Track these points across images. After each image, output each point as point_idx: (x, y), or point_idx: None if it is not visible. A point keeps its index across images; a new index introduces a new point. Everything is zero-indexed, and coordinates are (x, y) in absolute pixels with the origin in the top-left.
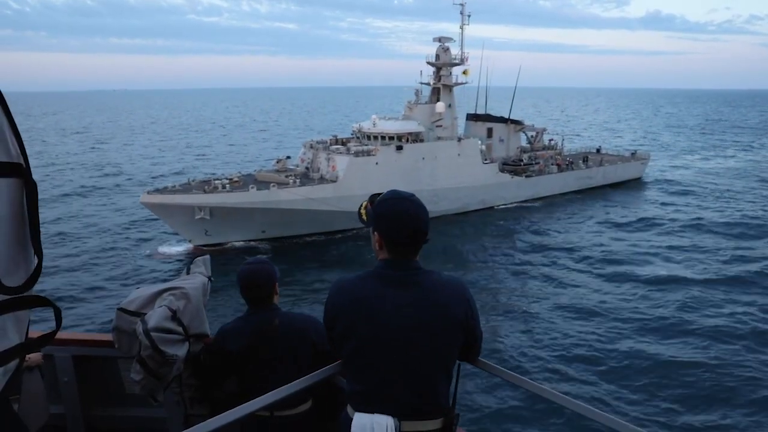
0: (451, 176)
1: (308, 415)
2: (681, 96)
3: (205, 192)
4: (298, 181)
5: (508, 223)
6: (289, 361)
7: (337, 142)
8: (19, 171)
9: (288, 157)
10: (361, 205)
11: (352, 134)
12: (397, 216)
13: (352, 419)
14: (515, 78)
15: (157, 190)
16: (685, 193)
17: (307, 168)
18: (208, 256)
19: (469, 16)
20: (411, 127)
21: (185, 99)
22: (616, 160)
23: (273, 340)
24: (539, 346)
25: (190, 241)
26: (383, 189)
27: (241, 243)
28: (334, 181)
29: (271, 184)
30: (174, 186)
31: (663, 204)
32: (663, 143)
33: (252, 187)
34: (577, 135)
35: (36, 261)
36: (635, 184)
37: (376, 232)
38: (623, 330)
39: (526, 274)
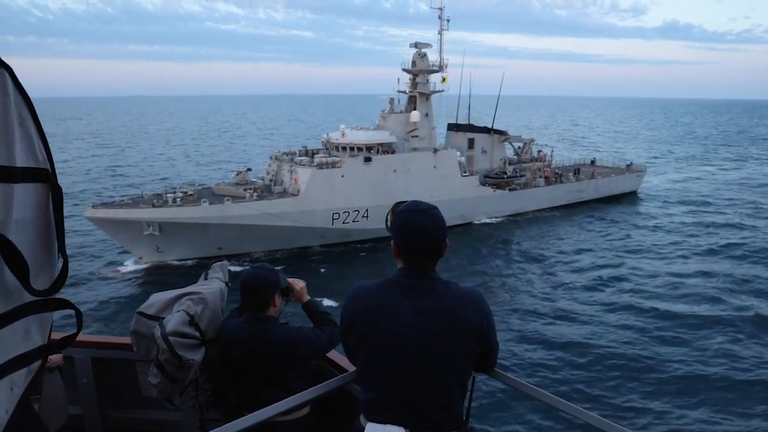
0: (426, 189)
1: (305, 421)
2: (697, 106)
3: (153, 206)
4: (255, 194)
5: (488, 239)
6: (279, 373)
7: (306, 153)
8: (46, 176)
9: (249, 169)
10: (388, 213)
11: (323, 145)
12: (410, 229)
13: (364, 428)
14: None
15: (104, 204)
16: (682, 208)
17: (271, 180)
18: (225, 262)
19: (448, 20)
20: (381, 137)
21: (200, 105)
22: (609, 173)
23: (268, 354)
24: (538, 356)
25: (140, 258)
26: (349, 203)
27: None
28: (296, 195)
29: (225, 198)
30: (123, 199)
31: (657, 221)
32: (668, 154)
33: (204, 201)
34: (580, 143)
35: (61, 264)
36: (630, 199)
37: (392, 241)
38: (623, 343)
39: (508, 288)
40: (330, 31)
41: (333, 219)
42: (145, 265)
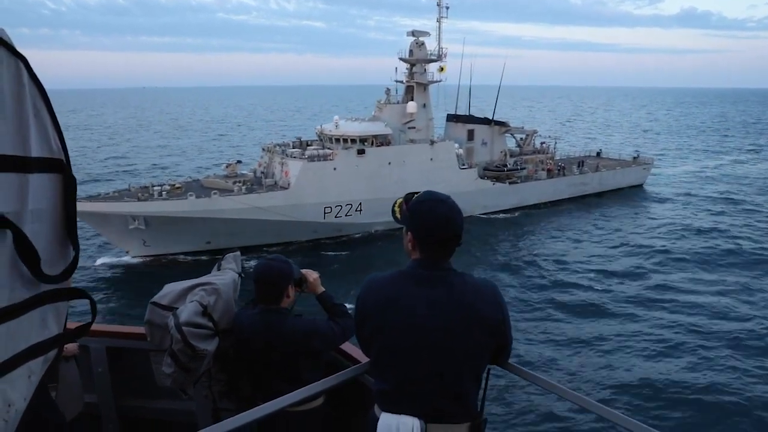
0: (422, 183)
1: (320, 411)
2: (715, 95)
3: (139, 200)
4: (244, 188)
5: (486, 234)
6: (292, 365)
7: (300, 145)
8: (61, 166)
9: (239, 162)
10: (395, 203)
11: (317, 136)
12: (432, 219)
13: (378, 419)
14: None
15: (89, 197)
16: (690, 203)
17: (262, 173)
18: (238, 253)
19: (447, 8)
20: (376, 128)
21: (213, 96)
22: (614, 165)
23: (281, 346)
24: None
25: (127, 252)
26: (342, 197)
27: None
28: (286, 188)
29: (213, 192)
30: (108, 192)
31: (661, 216)
32: (679, 145)
33: (190, 195)
34: (588, 134)
35: (73, 253)
36: (635, 192)
37: (409, 232)
38: (620, 337)
39: (507, 283)
40: (341, 22)
41: (325, 213)
42: (130, 260)
